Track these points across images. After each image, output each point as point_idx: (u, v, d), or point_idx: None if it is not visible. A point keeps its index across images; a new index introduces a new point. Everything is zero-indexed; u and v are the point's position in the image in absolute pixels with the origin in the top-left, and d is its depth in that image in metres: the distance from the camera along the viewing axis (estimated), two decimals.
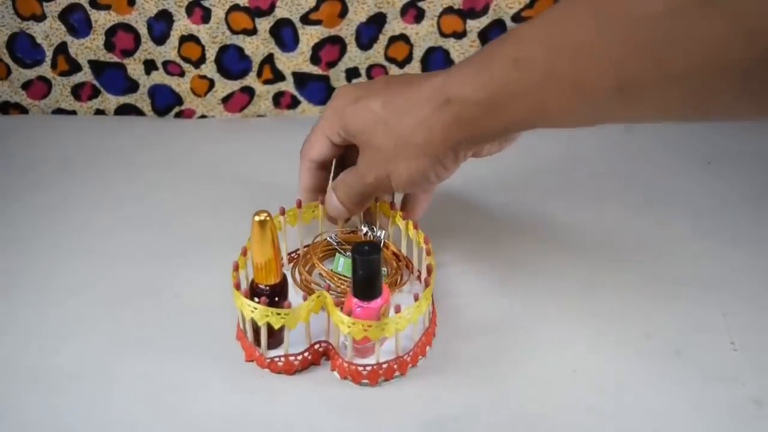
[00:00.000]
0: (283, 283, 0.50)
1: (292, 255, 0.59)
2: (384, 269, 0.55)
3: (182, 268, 0.59)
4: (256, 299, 0.47)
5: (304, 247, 0.58)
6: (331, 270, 0.55)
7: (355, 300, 0.47)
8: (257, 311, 0.46)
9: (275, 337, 0.49)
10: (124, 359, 0.50)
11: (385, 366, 0.48)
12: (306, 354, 0.49)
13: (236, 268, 0.50)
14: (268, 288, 0.49)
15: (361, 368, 0.48)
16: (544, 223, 0.65)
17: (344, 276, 0.55)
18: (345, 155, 0.56)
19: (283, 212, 0.56)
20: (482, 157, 0.53)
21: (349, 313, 0.46)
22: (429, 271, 0.49)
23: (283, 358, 0.49)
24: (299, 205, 0.57)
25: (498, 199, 0.67)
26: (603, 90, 0.38)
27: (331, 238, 0.57)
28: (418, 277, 0.56)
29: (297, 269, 0.56)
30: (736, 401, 0.47)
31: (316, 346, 0.50)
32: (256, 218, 0.47)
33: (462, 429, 0.45)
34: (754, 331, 0.53)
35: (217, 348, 0.51)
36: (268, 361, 0.49)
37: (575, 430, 0.45)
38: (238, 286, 0.48)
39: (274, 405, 0.47)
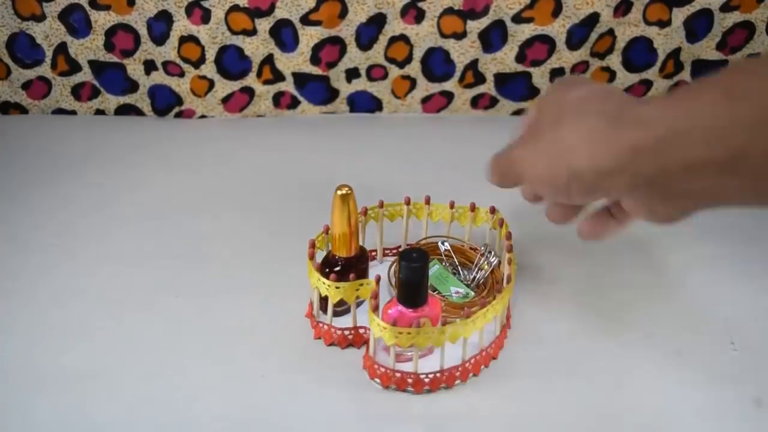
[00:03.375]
0: (360, 258, 0.52)
1: (393, 250, 0.60)
2: (471, 292, 0.54)
3: (182, 267, 0.59)
4: (327, 270, 0.50)
5: (407, 245, 0.58)
6: None
7: (399, 306, 0.46)
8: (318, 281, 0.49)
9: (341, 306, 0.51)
10: (126, 359, 0.50)
11: (423, 377, 0.48)
12: (347, 333, 0.50)
13: (312, 245, 0.52)
14: (342, 260, 0.51)
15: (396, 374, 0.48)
16: (541, 222, 0.65)
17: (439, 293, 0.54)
18: None
19: (381, 205, 0.57)
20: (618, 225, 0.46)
21: (394, 323, 0.45)
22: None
23: (325, 326, 0.51)
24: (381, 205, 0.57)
25: None
26: None
27: (442, 243, 0.57)
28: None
29: (394, 267, 0.56)
30: (736, 401, 0.47)
31: (361, 330, 0.51)
32: (338, 192, 0.49)
33: (462, 429, 0.45)
34: (754, 331, 0.53)
35: (218, 347, 0.51)
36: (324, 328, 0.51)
37: (575, 430, 0.45)
38: (312, 256, 0.51)
39: (275, 403, 0.47)
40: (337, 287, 0.49)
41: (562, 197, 0.43)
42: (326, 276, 0.50)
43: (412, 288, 0.46)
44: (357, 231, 0.51)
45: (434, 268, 0.55)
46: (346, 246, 0.51)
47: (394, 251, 0.59)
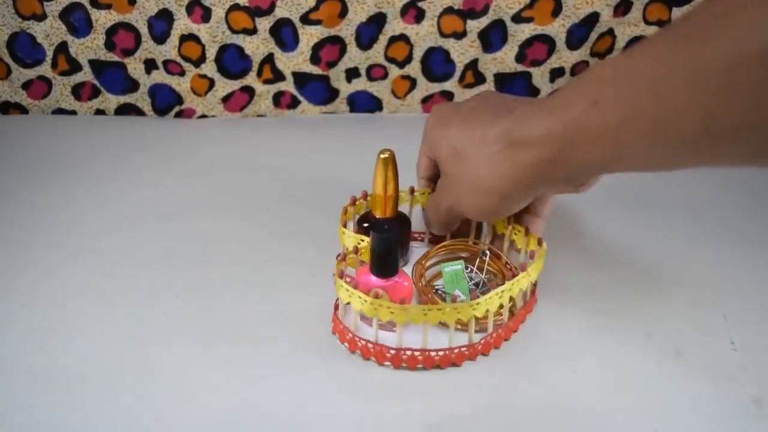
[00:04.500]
0: (400, 222, 0.55)
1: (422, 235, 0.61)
2: (483, 276, 0.55)
3: (182, 267, 0.59)
4: (366, 224, 0.55)
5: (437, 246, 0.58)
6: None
7: (372, 276, 0.49)
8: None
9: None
10: (125, 359, 0.50)
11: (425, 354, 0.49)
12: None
13: (345, 212, 0.56)
14: (382, 221, 0.54)
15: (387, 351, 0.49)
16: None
17: (443, 290, 0.54)
18: None
19: (412, 191, 0.58)
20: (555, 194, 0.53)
21: (356, 285, 0.49)
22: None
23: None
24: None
25: None
26: (688, 135, 0.37)
27: (483, 254, 0.56)
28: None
29: (418, 265, 0.56)
30: (736, 401, 0.47)
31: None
32: (381, 156, 0.53)
33: (462, 428, 0.45)
34: (754, 331, 0.53)
35: (218, 347, 0.51)
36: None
37: (575, 430, 0.45)
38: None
39: (275, 403, 0.47)
40: (348, 235, 0.53)
41: (501, 216, 0.51)
42: (358, 230, 0.55)
43: (382, 258, 0.48)
44: (395, 196, 0.54)
45: (455, 267, 0.54)
46: (381, 208, 0.54)
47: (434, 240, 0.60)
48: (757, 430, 0.45)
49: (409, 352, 0.49)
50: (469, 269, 0.55)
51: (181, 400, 0.47)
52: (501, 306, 0.50)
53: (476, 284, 0.55)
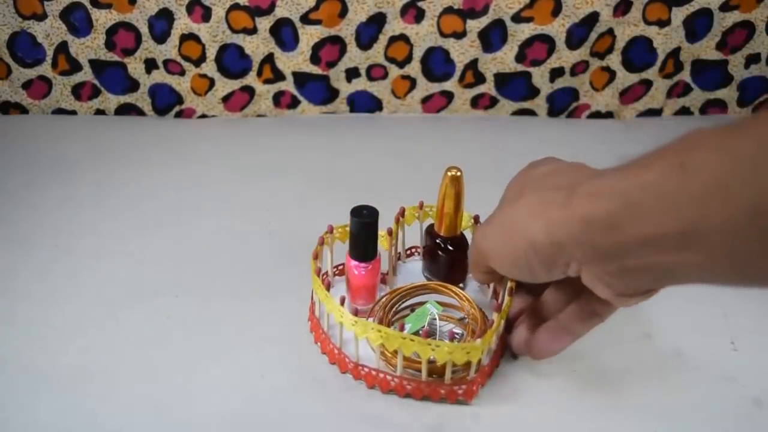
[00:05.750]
0: (460, 242, 0.53)
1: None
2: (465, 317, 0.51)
3: (182, 267, 0.59)
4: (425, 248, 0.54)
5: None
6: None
7: (353, 262, 0.50)
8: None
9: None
10: (125, 359, 0.50)
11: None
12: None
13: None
14: (447, 241, 0.53)
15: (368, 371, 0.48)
16: None
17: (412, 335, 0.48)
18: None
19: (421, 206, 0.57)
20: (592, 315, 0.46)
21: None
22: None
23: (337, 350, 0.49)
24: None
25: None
26: None
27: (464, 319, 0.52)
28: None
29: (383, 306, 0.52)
30: (736, 401, 0.47)
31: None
32: (449, 173, 0.51)
33: (462, 428, 0.45)
34: (754, 331, 0.53)
35: (218, 347, 0.51)
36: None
37: (575, 430, 0.45)
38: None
39: (275, 403, 0.47)
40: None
41: (524, 273, 0.43)
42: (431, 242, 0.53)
43: (362, 242, 0.50)
44: (459, 214, 0.52)
45: (427, 306, 0.51)
46: (445, 226, 0.53)
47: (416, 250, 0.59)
48: (757, 430, 0.45)
49: (381, 375, 0.47)
50: (436, 318, 0.51)
51: (181, 400, 0.47)
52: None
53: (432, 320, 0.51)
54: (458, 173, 0.50)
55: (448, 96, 0.85)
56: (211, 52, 0.81)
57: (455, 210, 0.52)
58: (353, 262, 0.51)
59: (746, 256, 0.32)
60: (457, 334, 0.50)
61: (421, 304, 0.52)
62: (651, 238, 0.34)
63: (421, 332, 0.46)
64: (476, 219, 0.55)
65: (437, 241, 0.53)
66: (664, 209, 0.33)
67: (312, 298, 0.53)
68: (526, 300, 0.50)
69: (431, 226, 0.54)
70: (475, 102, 0.85)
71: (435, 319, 0.50)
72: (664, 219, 0.33)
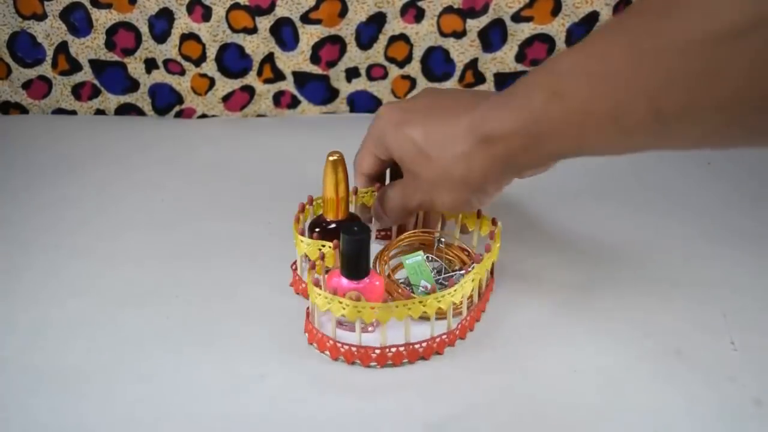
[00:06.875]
0: (361, 223, 0.53)
1: (384, 233, 0.61)
2: (442, 264, 0.56)
3: (182, 267, 0.59)
4: (317, 229, 0.54)
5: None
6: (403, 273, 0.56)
7: (344, 280, 0.49)
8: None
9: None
10: (125, 359, 0.50)
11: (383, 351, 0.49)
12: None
13: (298, 219, 0.55)
14: (328, 222, 0.54)
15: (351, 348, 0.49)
16: (542, 222, 0.65)
17: (407, 283, 0.54)
18: (395, 166, 0.57)
19: (355, 192, 0.58)
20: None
21: (334, 291, 0.48)
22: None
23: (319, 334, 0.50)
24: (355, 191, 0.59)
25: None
26: (638, 121, 0.38)
27: (439, 241, 0.57)
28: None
29: (379, 261, 0.56)
30: (736, 401, 0.47)
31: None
32: (330, 158, 0.52)
33: (462, 428, 0.45)
34: (754, 331, 0.53)
35: (218, 347, 0.51)
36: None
37: (575, 430, 0.45)
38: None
39: (275, 403, 0.47)
40: (305, 243, 0.53)
41: (474, 208, 0.52)
42: (311, 236, 0.54)
43: (353, 260, 0.48)
44: (347, 197, 0.54)
45: (416, 258, 0.55)
46: (333, 210, 0.54)
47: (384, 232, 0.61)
48: (757, 430, 0.45)
49: (393, 349, 0.49)
50: (428, 257, 0.56)
51: (181, 400, 0.47)
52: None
53: (438, 272, 0.56)
54: (340, 155, 0.53)
55: None
56: (212, 52, 0.81)
57: (347, 191, 0.54)
58: (345, 281, 0.49)
59: (623, 144, 0.42)
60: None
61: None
62: (561, 151, 0.44)
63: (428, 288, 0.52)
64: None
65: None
66: (557, 133, 0.42)
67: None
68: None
69: (316, 222, 0.55)
70: None
71: (430, 259, 0.55)
72: (562, 139, 0.43)
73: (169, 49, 0.80)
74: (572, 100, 0.41)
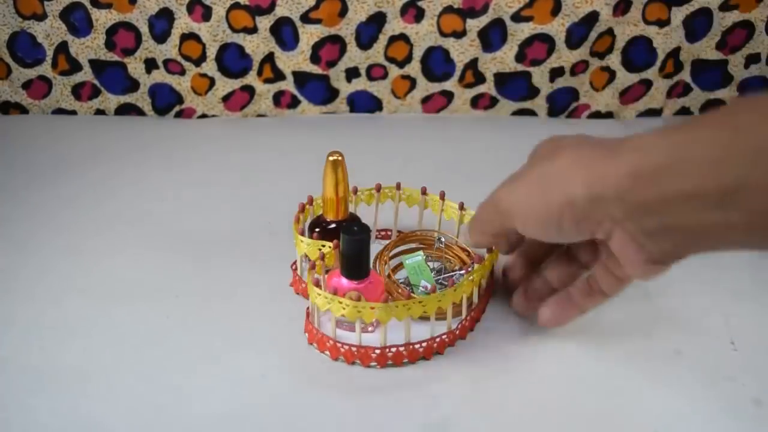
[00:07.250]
0: (361, 223, 0.53)
1: (384, 232, 0.62)
2: (442, 264, 0.57)
3: (182, 267, 0.59)
4: (317, 229, 0.54)
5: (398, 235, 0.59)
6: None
7: (344, 280, 0.49)
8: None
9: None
10: (125, 358, 0.50)
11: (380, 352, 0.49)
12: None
13: (298, 219, 0.55)
14: (328, 222, 0.54)
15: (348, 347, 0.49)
16: None
17: (407, 283, 0.55)
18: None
19: (379, 189, 0.59)
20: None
21: (335, 291, 0.48)
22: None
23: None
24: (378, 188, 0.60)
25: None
26: None
27: (439, 240, 0.58)
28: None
29: (381, 258, 0.56)
30: (736, 401, 0.47)
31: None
32: (330, 158, 0.52)
33: (462, 428, 0.45)
34: (754, 331, 0.53)
35: (218, 347, 0.51)
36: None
37: (575, 430, 0.45)
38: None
39: (275, 403, 0.47)
40: (305, 243, 0.53)
41: (551, 231, 0.42)
42: (311, 236, 0.54)
43: (354, 260, 0.48)
44: (346, 197, 0.54)
45: (416, 259, 0.55)
46: (333, 210, 0.54)
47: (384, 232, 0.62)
48: (757, 430, 0.45)
49: (393, 349, 0.49)
50: (428, 257, 0.57)
51: (181, 400, 0.47)
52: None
53: (438, 272, 0.56)
54: (340, 156, 0.53)
55: (448, 96, 0.85)
56: (212, 52, 0.81)
57: (346, 191, 0.54)
58: (345, 282, 0.49)
59: None
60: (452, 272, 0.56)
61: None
62: (696, 194, 0.35)
63: (429, 288, 0.52)
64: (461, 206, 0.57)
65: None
66: (713, 164, 0.34)
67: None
68: (523, 267, 0.52)
69: (316, 222, 0.56)
70: (475, 102, 0.85)
71: (429, 259, 0.55)
72: (713, 174, 0.34)
73: (169, 49, 0.80)
74: (753, 134, 0.33)
